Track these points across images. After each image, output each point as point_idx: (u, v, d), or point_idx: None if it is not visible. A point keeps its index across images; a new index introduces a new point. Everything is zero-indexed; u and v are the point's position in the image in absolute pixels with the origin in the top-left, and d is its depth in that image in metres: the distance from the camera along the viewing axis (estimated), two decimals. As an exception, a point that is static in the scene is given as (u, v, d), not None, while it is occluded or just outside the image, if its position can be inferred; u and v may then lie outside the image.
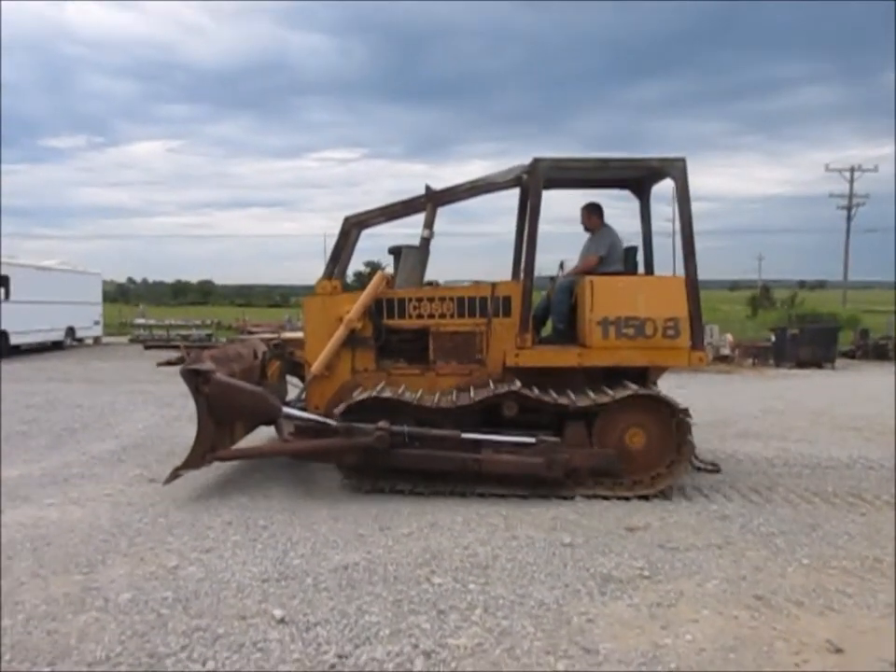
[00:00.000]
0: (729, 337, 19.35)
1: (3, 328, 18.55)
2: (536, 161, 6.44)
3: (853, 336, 21.68)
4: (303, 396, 6.80)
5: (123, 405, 10.67)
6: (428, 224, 6.92)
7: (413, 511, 5.48)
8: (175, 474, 5.76)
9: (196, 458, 5.80)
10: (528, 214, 6.51)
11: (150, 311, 31.92)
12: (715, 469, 6.92)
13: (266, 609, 3.77)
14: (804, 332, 18.69)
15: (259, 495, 5.89)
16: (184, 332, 23.55)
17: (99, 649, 3.37)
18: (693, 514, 5.55)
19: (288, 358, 7.58)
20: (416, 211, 6.99)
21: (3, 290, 18.41)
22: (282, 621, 3.64)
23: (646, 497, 5.93)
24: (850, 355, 20.83)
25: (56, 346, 21.64)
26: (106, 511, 5.44)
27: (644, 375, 6.41)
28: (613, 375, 6.31)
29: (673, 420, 6.02)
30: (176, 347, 20.15)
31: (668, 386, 13.58)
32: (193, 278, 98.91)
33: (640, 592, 4.10)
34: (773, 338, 19.35)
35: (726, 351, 18.56)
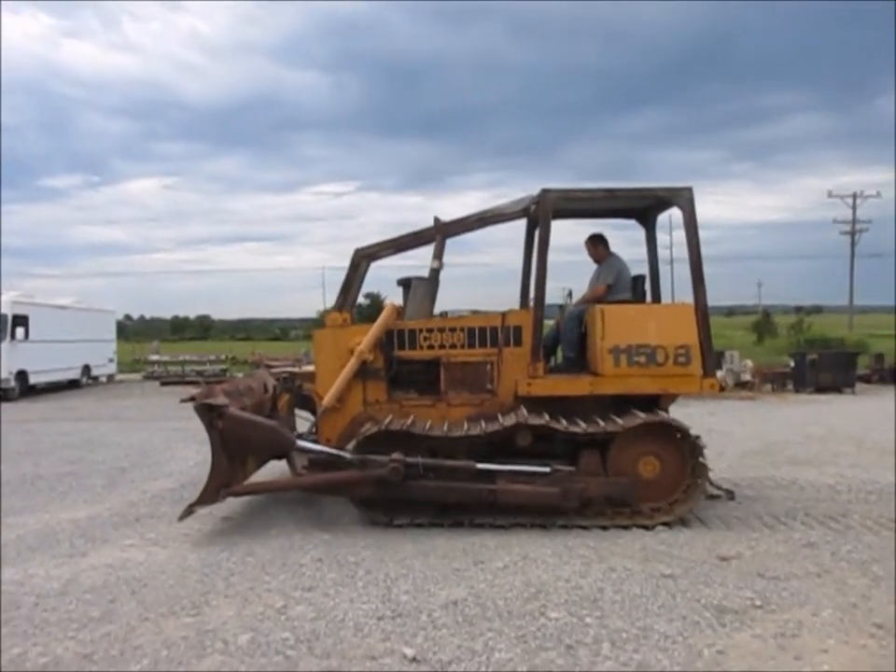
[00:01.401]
0: (749, 363, 19.38)
1: (22, 367, 18.47)
2: (544, 191, 6.46)
3: (868, 361, 21.72)
4: (314, 429, 6.76)
5: (162, 443, 10.59)
6: (438, 255, 6.95)
7: (499, 544, 5.43)
8: (190, 510, 5.71)
9: (211, 494, 5.74)
10: (537, 244, 6.50)
11: (163, 347, 31.82)
12: (730, 495, 6.85)
13: (393, 649, 3.72)
14: (823, 357, 18.73)
15: (339, 530, 5.83)
16: (198, 368, 23.46)
17: (238, 692, 3.31)
18: (780, 543, 5.51)
19: (297, 392, 7.57)
20: (426, 243, 7.02)
21: (23, 330, 18.35)
22: (414, 659, 3.59)
23: (668, 525, 5.88)
24: (866, 379, 20.85)
25: (72, 385, 21.53)
26: (190, 550, 5.37)
27: (655, 403, 6.39)
28: (624, 403, 6.28)
29: (686, 446, 6.00)
30: (194, 383, 20.04)
31: (699, 413, 13.66)
32: (191, 314, 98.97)
33: (759, 622, 4.06)
34: (792, 363, 19.37)
35: (747, 377, 18.58)
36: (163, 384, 21.82)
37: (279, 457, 6.60)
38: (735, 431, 11.41)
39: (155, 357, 24.85)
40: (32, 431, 12.13)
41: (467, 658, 3.61)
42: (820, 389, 18.42)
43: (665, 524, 5.89)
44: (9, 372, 17.91)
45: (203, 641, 3.83)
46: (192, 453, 9.62)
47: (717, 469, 8.30)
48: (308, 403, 7.44)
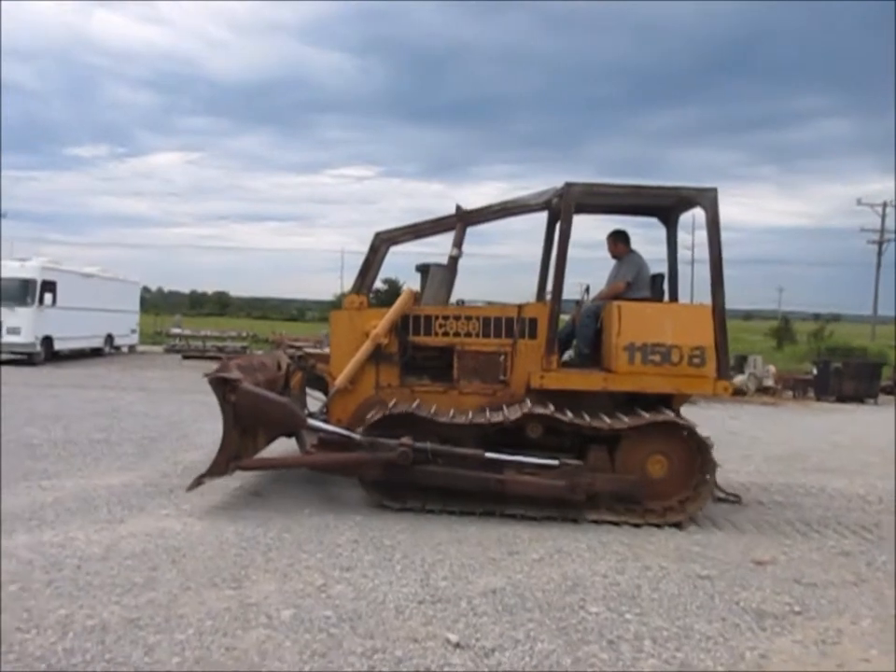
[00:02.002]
0: (772, 368, 19.25)
1: (48, 333, 18.63)
2: (568, 185, 6.40)
3: (890, 372, 21.51)
4: (325, 409, 6.78)
5: (189, 416, 10.66)
6: (457, 243, 6.92)
7: (532, 537, 5.43)
8: (199, 481, 5.72)
9: (220, 466, 5.77)
10: (558, 238, 6.46)
11: (186, 322, 32.01)
12: (736, 499, 6.79)
13: (435, 633, 3.73)
14: (847, 366, 18.57)
15: (371, 513, 5.85)
16: (219, 343, 23.58)
17: (285, 667, 3.34)
18: (814, 550, 5.49)
19: (310, 371, 7.59)
20: (446, 230, 6.99)
21: (50, 296, 18.50)
22: (458, 645, 3.60)
23: (678, 525, 5.86)
24: (888, 390, 20.67)
25: (95, 353, 21.71)
26: (226, 523, 5.41)
27: (667, 402, 6.34)
28: (636, 401, 6.25)
29: (694, 445, 5.97)
30: (215, 358, 20.14)
31: (722, 417, 13.60)
32: (208, 289, 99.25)
33: (799, 628, 4.05)
34: (814, 371, 19.22)
35: (770, 382, 18.45)
36: (185, 357, 21.95)
37: (289, 434, 6.62)
38: (759, 436, 11.35)
39: (177, 331, 25.00)
40: (59, 396, 12.25)
41: (510, 647, 3.62)
42: (842, 398, 18.27)
43: (675, 524, 5.87)
44: (35, 337, 18.08)
45: (247, 614, 3.86)
46: (220, 426, 9.66)
47: (744, 472, 8.32)
48: (320, 383, 7.47)
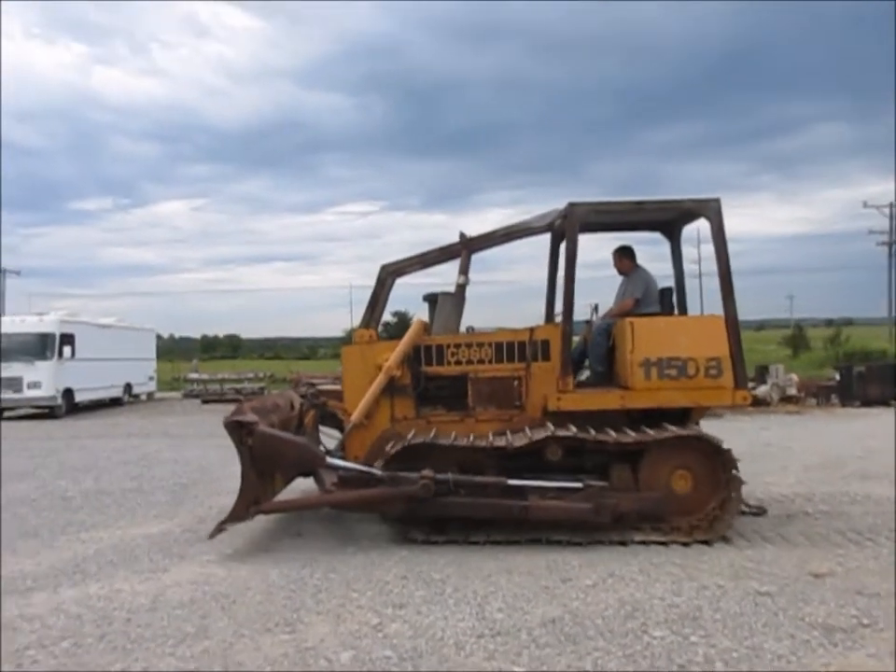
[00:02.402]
0: (794, 377, 19.08)
1: (68, 385, 18.72)
2: (571, 205, 6.40)
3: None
4: (342, 445, 6.69)
5: (217, 460, 10.61)
6: (464, 270, 6.92)
7: (582, 562, 5.32)
8: (220, 528, 5.66)
9: (240, 511, 5.69)
10: (565, 258, 6.43)
11: (201, 366, 32.13)
12: (761, 511, 6.65)
13: (500, 668, 3.65)
14: (870, 370, 18.40)
15: (415, 547, 5.76)
16: (237, 386, 23.62)
17: (352, 711, 3.26)
18: (870, 559, 5.36)
19: (322, 409, 7.54)
20: (452, 258, 6.99)
21: (69, 348, 18.62)
22: (526, 679, 3.51)
23: (707, 543, 5.72)
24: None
25: (114, 402, 21.78)
26: (271, 566, 5.34)
27: (685, 416, 6.25)
28: (653, 418, 6.15)
29: (719, 460, 5.85)
30: (234, 401, 20.16)
31: (752, 428, 13.44)
32: (219, 332, 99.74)
33: (871, 641, 3.93)
34: (837, 376, 19.03)
35: (793, 391, 18.28)
36: (204, 401, 21.97)
37: (306, 474, 6.57)
38: (793, 446, 11.20)
39: (194, 376, 25.08)
40: (86, 447, 12.27)
41: (579, 677, 3.53)
42: (867, 403, 18.05)
43: (704, 541, 5.74)
44: (56, 390, 18.16)
45: (306, 659, 3.79)
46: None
47: (785, 484, 8.20)
48: (331, 420, 7.45)
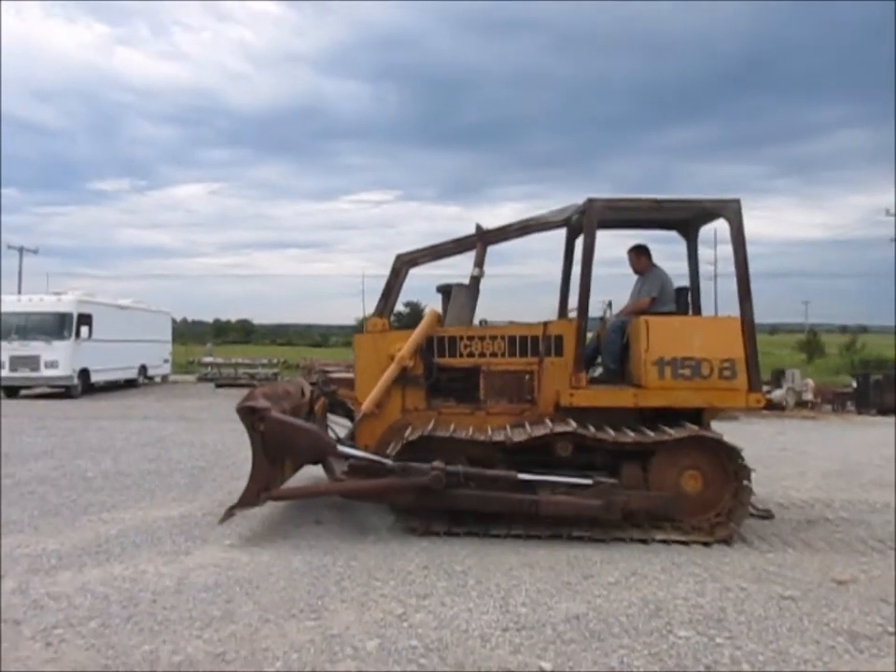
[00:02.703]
0: (810, 382, 18.95)
1: (85, 365, 18.83)
2: (590, 201, 6.34)
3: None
4: (352, 434, 6.69)
5: (233, 444, 10.64)
6: (479, 263, 6.89)
7: (603, 559, 5.32)
8: (230, 513, 5.67)
9: (251, 497, 5.70)
10: (582, 253, 6.35)
11: (215, 350, 32.24)
12: (768, 515, 6.60)
13: (527, 662, 3.65)
14: (888, 378, 18.24)
15: (436, 538, 5.76)
16: (251, 371, 23.68)
17: (381, 700, 3.27)
18: (893, 568, 5.32)
19: (331, 397, 7.54)
20: (467, 249, 6.96)
21: (86, 329, 18.72)
22: (553, 674, 3.52)
23: (727, 542, 5.70)
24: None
25: (129, 384, 21.89)
26: (292, 553, 5.36)
27: (697, 417, 6.21)
28: (665, 417, 6.11)
29: (730, 463, 5.82)
30: (248, 385, 20.23)
31: (768, 433, 13.38)
32: (231, 317, 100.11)
33: (897, 650, 3.91)
34: (854, 384, 18.90)
35: (809, 396, 18.16)
36: (218, 385, 22.06)
37: (315, 462, 6.55)
38: (809, 451, 11.14)
39: (209, 359, 25.15)
40: (103, 428, 12.34)
41: (607, 675, 3.53)
42: (883, 411, 17.88)
43: (724, 541, 5.72)
44: (73, 370, 18.27)
45: (332, 646, 3.80)
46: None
47: (804, 489, 8.16)
48: (340, 409, 7.47)
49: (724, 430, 6.27)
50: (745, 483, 5.78)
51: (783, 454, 10.73)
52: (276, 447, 5.81)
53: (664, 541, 5.73)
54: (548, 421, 6.15)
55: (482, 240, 6.94)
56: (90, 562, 5.12)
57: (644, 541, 5.73)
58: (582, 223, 6.62)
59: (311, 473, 6.92)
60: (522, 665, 3.62)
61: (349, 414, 7.65)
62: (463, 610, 4.30)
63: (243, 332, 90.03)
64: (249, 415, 5.68)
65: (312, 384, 7.81)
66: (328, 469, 6.22)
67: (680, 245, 7.39)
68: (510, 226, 7.02)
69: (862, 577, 5.08)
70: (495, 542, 5.70)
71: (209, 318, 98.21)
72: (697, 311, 7.15)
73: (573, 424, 5.95)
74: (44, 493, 7.31)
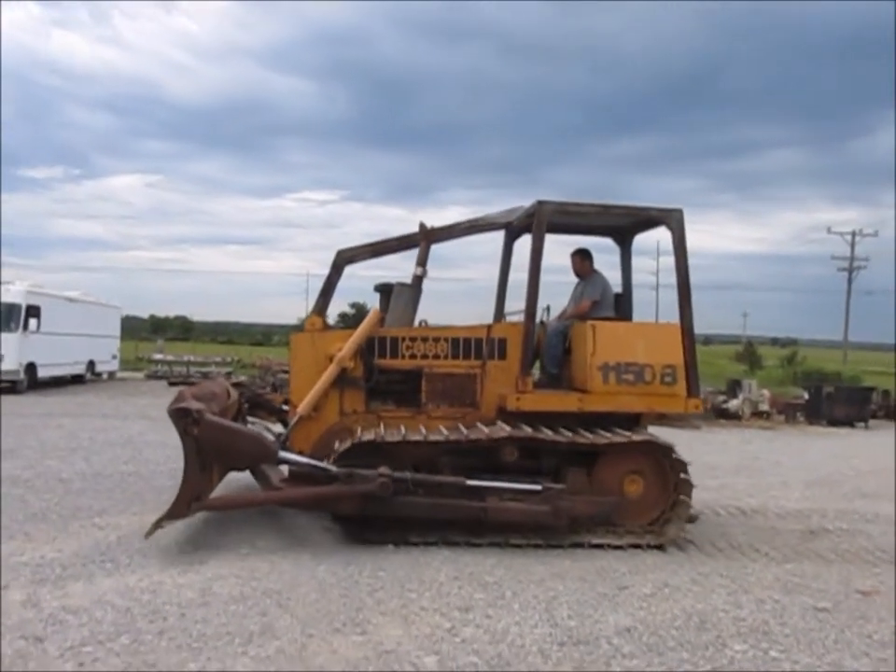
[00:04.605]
0: (766, 392, 19.49)
1: (32, 359, 17.95)
2: (540, 203, 6.33)
3: (875, 397, 21.92)
4: (286, 438, 6.28)
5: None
6: (422, 262, 6.82)
7: (629, 569, 5.28)
8: (158, 525, 5.14)
9: (181, 507, 5.20)
10: (531, 256, 6.34)
11: (150, 346, 31.22)
12: (693, 519, 6.52)
13: (596, 678, 3.56)
14: (839, 391, 18.91)
15: (458, 548, 5.59)
16: (204, 370, 23.02)
17: (460, 721, 3.13)
18: (908, 578, 5.43)
19: (253, 399, 7.35)
20: (410, 247, 6.90)
21: (35, 321, 17.86)
22: (626, 691, 3.43)
23: (661, 547, 5.78)
24: (872, 415, 21.06)
25: (76, 380, 20.99)
26: (312, 562, 5.14)
27: (635, 423, 6.30)
28: (605, 422, 6.15)
29: (668, 464, 5.90)
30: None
31: (735, 441, 13.65)
32: (168, 313, 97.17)
33: (944, 662, 3.96)
34: (806, 395, 19.52)
35: (765, 406, 18.66)
36: (171, 383, 21.36)
37: (241, 469, 6.08)
38: (782, 461, 11.41)
39: (159, 356, 24.35)
40: (63, 426, 11.74)
41: (678, 691, 3.46)
42: (833, 422, 18.53)
43: (658, 546, 5.78)
44: (20, 364, 17.39)
45: (390, 663, 3.63)
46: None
47: (793, 499, 8.35)
48: (262, 409, 7.31)
49: (690, 439, 6.35)
50: (682, 498, 5.84)
51: (757, 463, 10.96)
52: (212, 452, 5.32)
53: (636, 546, 5.75)
54: (501, 423, 6.02)
55: (426, 238, 6.83)
56: (98, 571, 4.80)
57: (581, 545, 5.70)
58: (523, 225, 6.63)
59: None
60: (592, 681, 3.53)
61: (274, 417, 7.43)
62: (511, 624, 4.18)
63: (181, 329, 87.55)
64: (182, 418, 5.15)
65: (235, 384, 7.58)
66: (260, 477, 5.80)
67: (611, 255, 7.50)
68: (456, 225, 6.95)
69: (883, 587, 5.17)
70: (516, 552, 5.59)
71: (144, 314, 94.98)
72: (629, 317, 7.17)
73: (528, 428, 5.87)
74: (21, 495, 6.85)
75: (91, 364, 21.77)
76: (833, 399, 18.59)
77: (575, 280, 7.34)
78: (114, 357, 23.53)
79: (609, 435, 5.91)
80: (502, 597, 4.60)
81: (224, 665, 3.55)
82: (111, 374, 23.71)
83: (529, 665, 3.68)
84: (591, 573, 5.16)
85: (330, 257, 6.75)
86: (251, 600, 4.38)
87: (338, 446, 5.84)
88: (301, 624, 4.06)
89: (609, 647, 3.93)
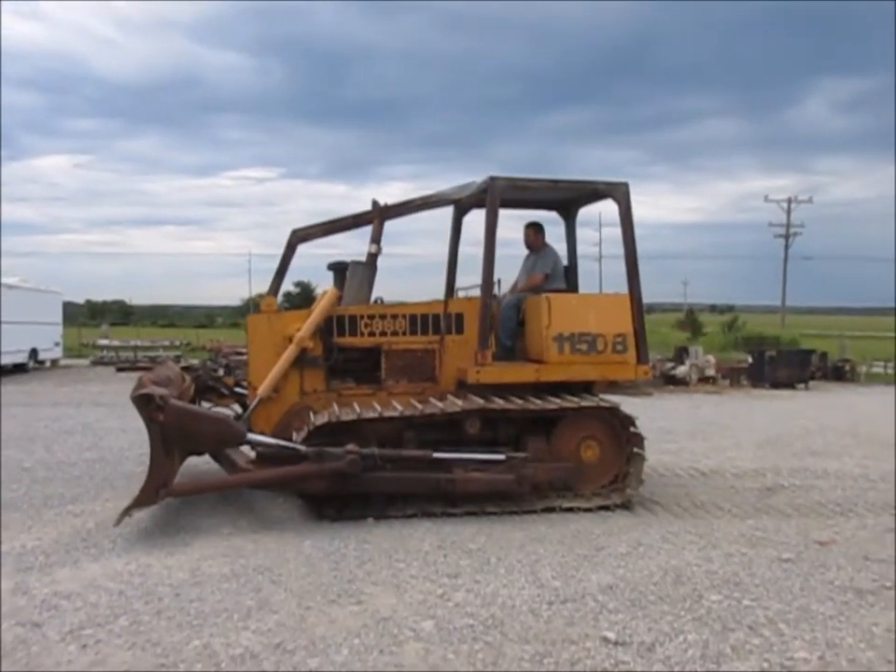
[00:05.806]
0: (711, 358, 20.12)
1: (-28, 349, 17.37)
2: (493, 179, 6.47)
3: (814, 359, 22.84)
4: (246, 420, 6.38)
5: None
6: (376, 239, 6.94)
7: (603, 531, 5.50)
8: (127, 513, 5.12)
9: (149, 494, 5.16)
10: (485, 231, 6.49)
11: (86, 332, 30.37)
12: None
13: (587, 633, 3.74)
14: (781, 355, 19.65)
15: (438, 519, 5.74)
16: (152, 354, 22.58)
17: (465, 679, 3.28)
18: (860, 528, 5.78)
19: (203, 382, 7.46)
20: (363, 224, 7.02)
21: (-25, 309, 17.25)
22: (617, 643, 3.63)
23: (628, 507, 6.10)
24: (811, 376, 21.96)
25: (18, 369, 20.36)
26: (296, 538, 5.23)
27: (588, 390, 6.58)
28: (560, 390, 6.39)
29: (624, 431, 6.20)
30: (149, 369, 19.29)
31: (686, 406, 14.10)
32: (104, 297, 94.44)
33: (900, 602, 4.27)
34: (749, 359, 20.22)
35: (711, 372, 19.28)
36: (119, 369, 20.89)
37: (199, 453, 6.15)
38: (732, 424, 11.85)
39: (104, 342, 23.75)
40: (15, 416, 11.43)
41: (665, 640, 3.67)
42: (776, 385, 19.27)
43: (619, 505, 6.07)
44: (-40, 354, 16.80)
45: (390, 629, 3.75)
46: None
47: (747, 459, 8.73)
48: (212, 393, 7.40)
49: (644, 406, 6.61)
50: (636, 450, 6.15)
51: (711, 427, 11.37)
52: (178, 437, 5.31)
53: (604, 507, 6.02)
54: (472, 396, 6.20)
55: (379, 215, 6.92)
56: (83, 557, 4.79)
57: (552, 510, 5.93)
58: (474, 201, 6.80)
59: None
60: (583, 635, 3.71)
61: (234, 399, 7.47)
62: (500, 587, 4.34)
63: (120, 314, 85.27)
64: (146, 405, 5.13)
65: (185, 368, 7.59)
66: (223, 461, 5.80)
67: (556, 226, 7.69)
68: (410, 201, 7.06)
69: (839, 538, 5.50)
70: (494, 520, 5.77)
71: (79, 299, 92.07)
72: (575, 288, 7.40)
73: (499, 400, 6.06)
74: (-14, 486, 6.73)
75: (34, 352, 21.15)
76: (776, 362, 19.32)
77: (523, 253, 7.51)
78: (57, 344, 22.87)
79: (558, 401, 6.12)
80: (487, 563, 4.76)
81: (228, 639, 3.62)
82: (54, 362, 23.06)
83: (523, 624, 3.84)
84: (568, 536, 5.36)
85: (271, 235, 6.93)
86: (243, 577, 4.45)
87: (313, 421, 5.86)
88: (296, 598, 4.15)
89: (595, 603, 4.12)
